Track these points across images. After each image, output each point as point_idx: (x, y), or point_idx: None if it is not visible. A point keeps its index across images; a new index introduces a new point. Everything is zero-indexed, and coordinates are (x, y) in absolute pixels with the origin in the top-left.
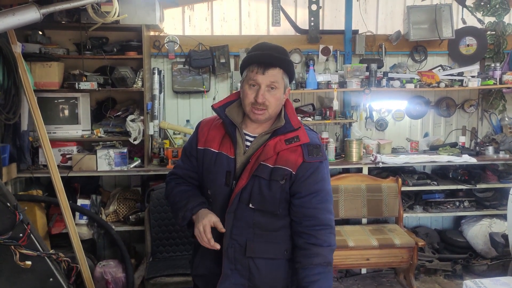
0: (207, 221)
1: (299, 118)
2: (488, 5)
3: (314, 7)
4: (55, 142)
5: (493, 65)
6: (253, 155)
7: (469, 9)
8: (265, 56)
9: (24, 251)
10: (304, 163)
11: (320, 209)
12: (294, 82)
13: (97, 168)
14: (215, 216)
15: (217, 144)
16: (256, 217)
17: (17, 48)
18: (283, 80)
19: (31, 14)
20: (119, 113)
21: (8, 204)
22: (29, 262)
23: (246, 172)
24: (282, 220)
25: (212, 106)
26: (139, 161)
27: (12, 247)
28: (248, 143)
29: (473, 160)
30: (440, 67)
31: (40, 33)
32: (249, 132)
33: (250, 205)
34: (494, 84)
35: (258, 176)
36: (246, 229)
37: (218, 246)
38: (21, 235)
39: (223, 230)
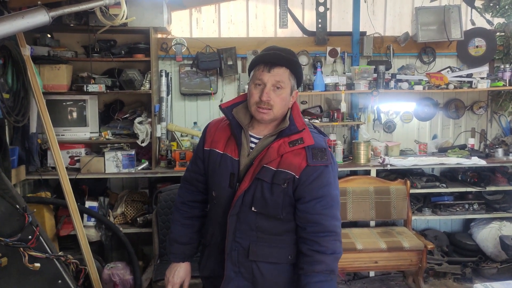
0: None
1: (306, 120)
2: (497, 6)
3: (321, 9)
4: (64, 144)
5: (502, 66)
6: (257, 157)
7: (478, 10)
8: (271, 55)
9: (33, 253)
10: (308, 167)
11: (324, 215)
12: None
13: (105, 170)
14: (181, 278)
15: (222, 145)
16: (259, 221)
17: (26, 51)
18: (290, 81)
19: (40, 17)
20: (127, 115)
21: (17, 206)
22: (37, 264)
23: (249, 174)
24: (287, 225)
25: (220, 106)
26: (147, 163)
27: (21, 249)
28: (253, 145)
29: (482, 162)
30: (448, 69)
31: (49, 36)
32: (255, 134)
33: (253, 209)
34: (504, 85)
35: (261, 179)
36: (249, 232)
37: None
38: (30, 237)
39: None
